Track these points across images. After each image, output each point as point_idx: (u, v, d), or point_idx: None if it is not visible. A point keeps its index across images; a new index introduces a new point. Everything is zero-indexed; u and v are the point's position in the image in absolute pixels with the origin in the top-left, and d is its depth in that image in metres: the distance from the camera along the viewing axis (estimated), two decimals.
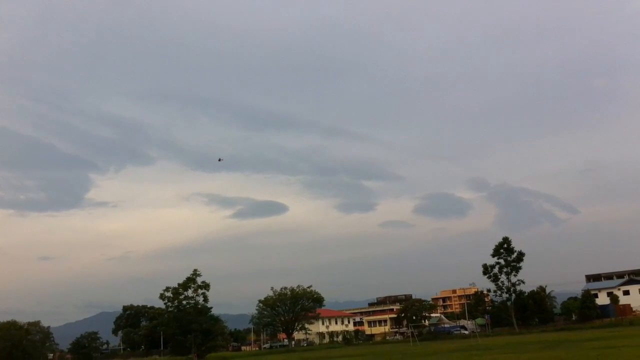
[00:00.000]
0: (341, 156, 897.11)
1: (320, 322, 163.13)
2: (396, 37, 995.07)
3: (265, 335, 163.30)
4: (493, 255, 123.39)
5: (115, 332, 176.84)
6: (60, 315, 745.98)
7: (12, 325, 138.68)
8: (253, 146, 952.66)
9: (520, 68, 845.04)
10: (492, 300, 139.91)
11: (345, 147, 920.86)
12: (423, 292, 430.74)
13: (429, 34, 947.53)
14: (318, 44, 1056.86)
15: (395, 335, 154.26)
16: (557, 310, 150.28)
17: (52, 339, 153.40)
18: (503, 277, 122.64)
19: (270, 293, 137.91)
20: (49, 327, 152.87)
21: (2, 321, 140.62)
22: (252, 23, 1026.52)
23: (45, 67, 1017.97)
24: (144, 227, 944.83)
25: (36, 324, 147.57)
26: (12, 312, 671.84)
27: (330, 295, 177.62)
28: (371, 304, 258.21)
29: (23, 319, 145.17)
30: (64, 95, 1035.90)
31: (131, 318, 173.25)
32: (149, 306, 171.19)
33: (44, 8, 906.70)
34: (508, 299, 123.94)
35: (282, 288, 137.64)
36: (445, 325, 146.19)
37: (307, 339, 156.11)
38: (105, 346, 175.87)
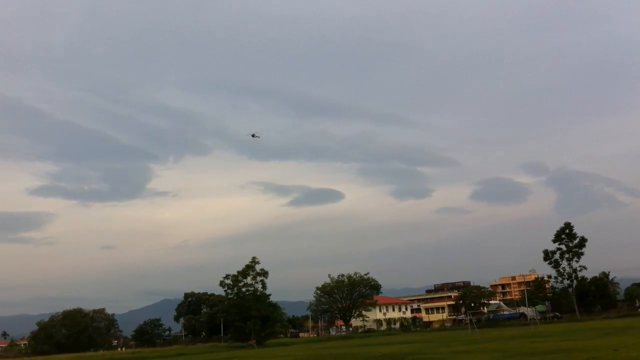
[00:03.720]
0: (394, 142, 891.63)
1: (377, 309, 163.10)
2: (446, 18, 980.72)
3: (322, 322, 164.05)
4: (554, 241, 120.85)
5: (177, 318, 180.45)
6: (122, 302, 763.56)
7: (77, 313, 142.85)
8: (305, 134, 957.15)
9: (577, 47, 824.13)
10: (552, 287, 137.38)
11: (398, 132, 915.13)
12: (481, 278, 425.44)
13: (481, 14, 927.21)
14: (366, 28, 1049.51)
15: (454, 321, 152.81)
16: (621, 296, 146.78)
17: (116, 325, 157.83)
18: (564, 263, 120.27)
19: (328, 280, 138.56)
20: (113, 314, 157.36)
21: (68, 309, 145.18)
22: (299, 10, 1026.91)
23: (100, 60, 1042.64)
24: (201, 216, 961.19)
25: (101, 311, 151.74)
26: (77, 300, 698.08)
27: (387, 282, 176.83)
28: (428, 291, 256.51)
29: (87, 306, 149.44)
30: (120, 88, 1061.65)
31: (192, 305, 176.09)
32: (209, 293, 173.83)
33: (98, 1, 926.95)
34: (569, 285, 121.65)
35: (339, 275, 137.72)
36: (505, 312, 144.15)
37: (364, 326, 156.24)
38: (167, 332, 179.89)
